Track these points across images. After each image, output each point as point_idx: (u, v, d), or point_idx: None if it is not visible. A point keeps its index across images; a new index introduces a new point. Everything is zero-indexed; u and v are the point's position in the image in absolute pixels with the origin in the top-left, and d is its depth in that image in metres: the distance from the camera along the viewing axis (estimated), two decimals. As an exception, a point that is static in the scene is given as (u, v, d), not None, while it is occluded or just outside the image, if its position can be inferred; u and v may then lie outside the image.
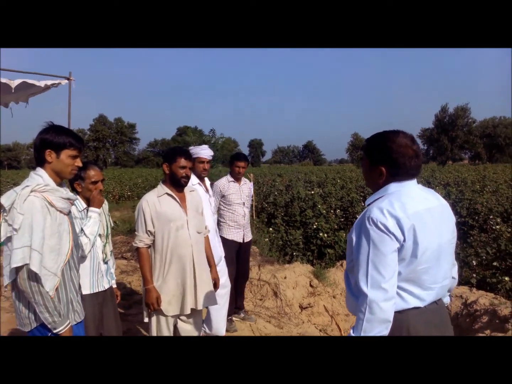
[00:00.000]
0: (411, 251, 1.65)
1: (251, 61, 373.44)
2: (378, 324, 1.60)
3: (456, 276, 2.01)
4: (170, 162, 2.91)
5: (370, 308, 1.59)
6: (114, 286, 2.95)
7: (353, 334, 1.64)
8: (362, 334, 1.60)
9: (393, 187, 1.75)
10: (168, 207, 2.90)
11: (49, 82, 5.78)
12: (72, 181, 2.66)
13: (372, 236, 1.63)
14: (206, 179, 4.01)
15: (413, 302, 1.69)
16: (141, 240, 2.88)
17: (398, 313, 1.68)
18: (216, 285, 3.25)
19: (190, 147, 3.89)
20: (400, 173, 1.74)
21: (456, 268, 2.00)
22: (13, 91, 5.12)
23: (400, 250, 1.64)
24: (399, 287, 1.68)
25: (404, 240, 1.63)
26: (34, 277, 1.91)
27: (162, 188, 2.95)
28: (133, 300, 5.13)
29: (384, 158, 1.76)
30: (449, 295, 2.03)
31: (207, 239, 3.28)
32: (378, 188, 1.81)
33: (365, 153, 1.87)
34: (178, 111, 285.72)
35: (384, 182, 1.79)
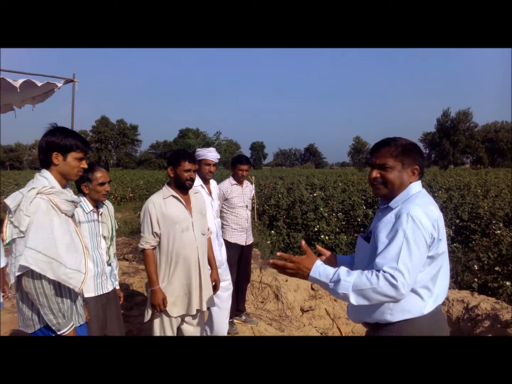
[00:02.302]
0: (438, 250, 1.76)
1: (253, 63, 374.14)
2: (377, 300, 1.63)
3: None
4: (175, 165, 2.92)
5: (380, 283, 1.60)
6: (117, 287, 2.96)
7: (346, 289, 1.62)
8: (352, 294, 1.61)
9: (415, 188, 1.86)
10: (173, 209, 2.92)
11: (51, 82, 5.82)
12: (79, 183, 2.67)
13: (410, 231, 1.67)
14: (212, 181, 4.02)
15: (430, 304, 1.78)
16: (147, 241, 2.89)
17: (417, 318, 1.76)
18: (216, 287, 3.26)
19: (197, 149, 3.90)
20: (422, 173, 1.91)
21: None
22: (18, 90, 5.15)
23: (432, 249, 1.74)
24: (426, 288, 1.77)
25: (437, 240, 1.74)
26: (39, 279, 1.91)
27: (167, 190, 2.97)
28: (135, 302, 5.13)
29: (418, 157, 1.88)
30: None
31: (209, 240, 3.30)
32: (400, 191, 1.86)
33: (396, 157, 1.87)
34: (180, 113, 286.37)
35: (411, 182, 1.88)
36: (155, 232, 2.89)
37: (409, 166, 1.87)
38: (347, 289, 1.61)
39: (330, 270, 1.67)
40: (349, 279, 1.62)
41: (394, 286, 1.59)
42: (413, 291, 1.74)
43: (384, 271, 1.62)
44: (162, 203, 2.91)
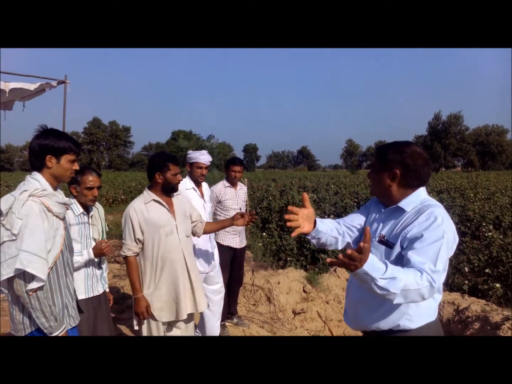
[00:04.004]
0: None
1: (246, 64, 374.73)
2: (413, 299, 1.59)
3: None
4: (163, 170, 2.85)
5: (426, 288, 1.58)
6: (107, 290, 2.95)
7: (390, 288, 1.52)
8: (393, 290, 1.53)
9: (424, 192, 1.87)
10: (156, 213, 2.86)
11: (43, 83, 5.78)
12: (68, 184, 2.66)
13: (448, 236, 1.69)
14: (204, 184, 4.01)
15: (437, 308, 1.84)
16: (130, 248, 2.82)
17: (430, 323, 1.81)
18: (244, 217, 3.12)
19: (189, 152, 3.88)
20: (412, 177, 1.82)
21: None
22: (7, 95, 5.12)
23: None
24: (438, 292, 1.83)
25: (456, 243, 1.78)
26: (31, 282, 1.90)
27: (148, 195, 2.90)
28: (126, 305, 5.11)
29: (399, 161, 1.82)
30: None
31: (208, 223, 3.31)
32: (386, 193, 1.87)
33: (378, 157, 1.91)
34: (173, 115, 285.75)
35: (397, 186, 1.85)
36: (137, 239, 2.82)
37: (390, 169, 1.85)
38: (398, 289, 1.52)
39: (380, 264, 1.54)
40: (403, 278, 1.53)
41: (432, 288, 1.59)
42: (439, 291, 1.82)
43: (426, 272, 1.59)
44: (143, 208, 2.84)
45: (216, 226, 3.34)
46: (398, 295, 1.53)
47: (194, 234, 3.22)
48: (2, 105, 6.00)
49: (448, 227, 1.71)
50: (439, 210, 1.76)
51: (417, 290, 1.55)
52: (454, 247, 1.77)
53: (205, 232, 3.25)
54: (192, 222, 3.12)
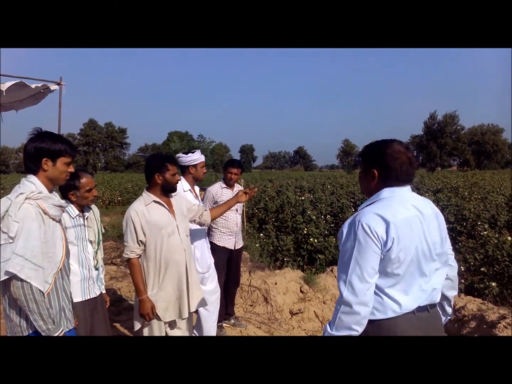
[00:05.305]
0: (395, 256, 1.67)
1: (242, 63, 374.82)
2: (348, 324, 1.65)
3: (456, 287, 2.03)
4: (162, 171, 2.87)
5: (344, 308, 1.65)
6: (104, 291, 2.94)
7: (328, 330, 1.70)
8: (333, 331, 1.68)
9: (386, 192, 1.78)
10: (157, 214, 2.87)
11: (39, 85, 5.76)
12: (66, 191, 2.65)
13: (359, 239, 1.66)
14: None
15: (396, 308, 1.70)
16: (132, 250, 2.83)
17: (386, 320, 1.70)
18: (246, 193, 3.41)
19: (189, 154, 3.85)
20: (391, 177, 1.78)
21: (455, 279, 2.02)
22: (4, 93, 5.10)
23: (385, 254, 1.67)
24: (383, 293, 1.71)
25: (391, 245, 1.65)
26: (29, 285, 1.89)
27: (148, 196, 2.91)
28: (122, 307, 5.09)
29: (377, 160, 1.81)
30: (447, 309, 2.04)
31: (213, 209, 3.41)
32: (370, 193, 1.86)
33: (361, 157, 1.93)
34: (169, 116, 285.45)
35: (376, 186, 1.82)
36: (140, 241, 2.83)
37: (370, 168, 1.84)
38: (326, 331, 1.71)
39: None
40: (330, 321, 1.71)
41: (347, 304, 1.64)
42: (382, 292, 1.71)
43: (341, 294, 1.67)
44: (144, 210, 2.85)
45: (222, 209, 3.43)
46: (339, 331, 1.66)
47: (203, 224, 3.31)
48: (1, 108, 5.97)
49: (359, 228, 1.66)
50: (361, 213, 1.72)
51: (339, 316, 1.66)
52: (390, 246, 1.65)
53: (213, 218, 3.36)
54: (195, 215, 3.17)
